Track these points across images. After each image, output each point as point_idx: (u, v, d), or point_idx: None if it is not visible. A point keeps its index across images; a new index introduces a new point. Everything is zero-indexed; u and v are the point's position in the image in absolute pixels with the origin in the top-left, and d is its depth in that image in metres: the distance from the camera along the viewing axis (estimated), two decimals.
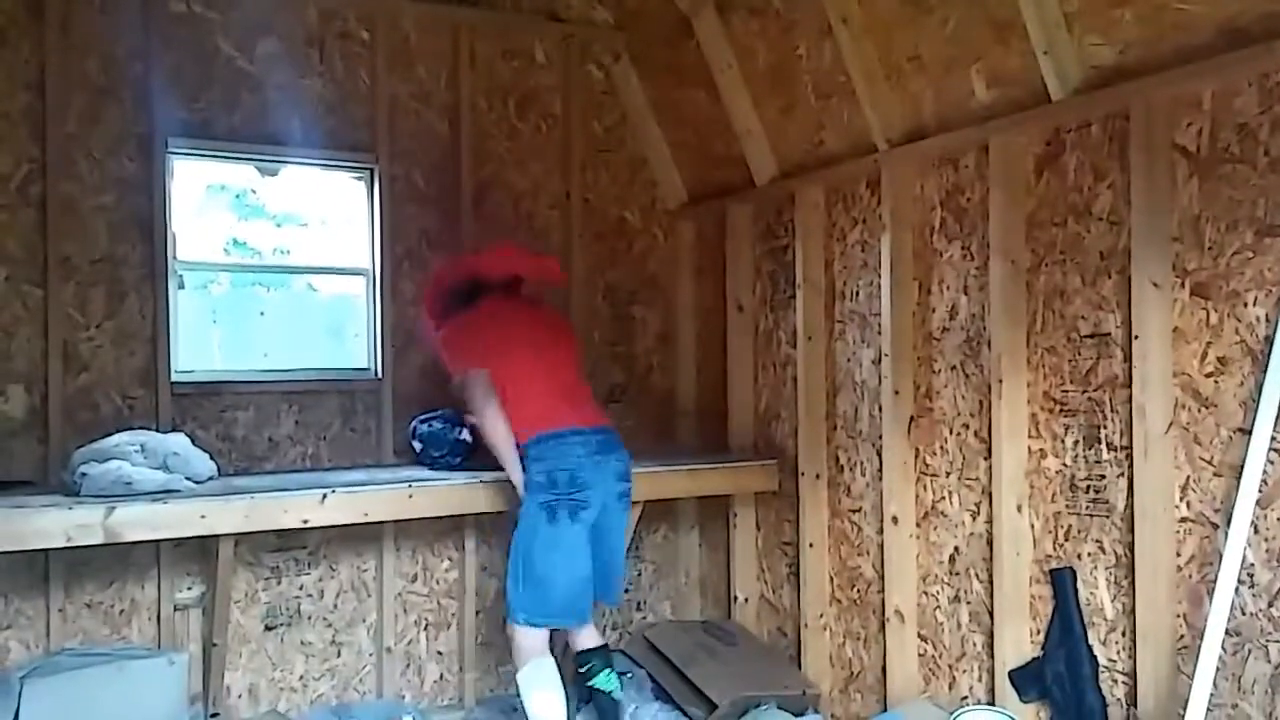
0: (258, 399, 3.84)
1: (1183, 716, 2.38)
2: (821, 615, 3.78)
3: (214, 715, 3.57)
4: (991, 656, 3.09)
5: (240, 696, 3.76)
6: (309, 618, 3.87)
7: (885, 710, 3.41)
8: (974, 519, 3.18)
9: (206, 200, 4.07)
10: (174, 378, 3.68)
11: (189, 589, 3.66)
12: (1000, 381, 3.02)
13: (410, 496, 3.36)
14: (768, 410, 4.12)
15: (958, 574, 3.25)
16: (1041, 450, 2.97)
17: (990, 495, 3.08)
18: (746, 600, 4.20)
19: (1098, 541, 2.81)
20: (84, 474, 3.00)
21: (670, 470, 3.80)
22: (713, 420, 4.40)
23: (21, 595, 3.44)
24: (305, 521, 3.20)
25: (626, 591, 4.44)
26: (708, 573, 4.50)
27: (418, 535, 4.03)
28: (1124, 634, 2.74)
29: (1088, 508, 2.84)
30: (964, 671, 3.22)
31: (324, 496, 3.18)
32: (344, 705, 3.88)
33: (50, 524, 2.84)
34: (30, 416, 3.47)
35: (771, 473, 3.99)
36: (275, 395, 3.88)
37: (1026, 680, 2.99)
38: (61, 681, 3.28)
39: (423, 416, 3.79)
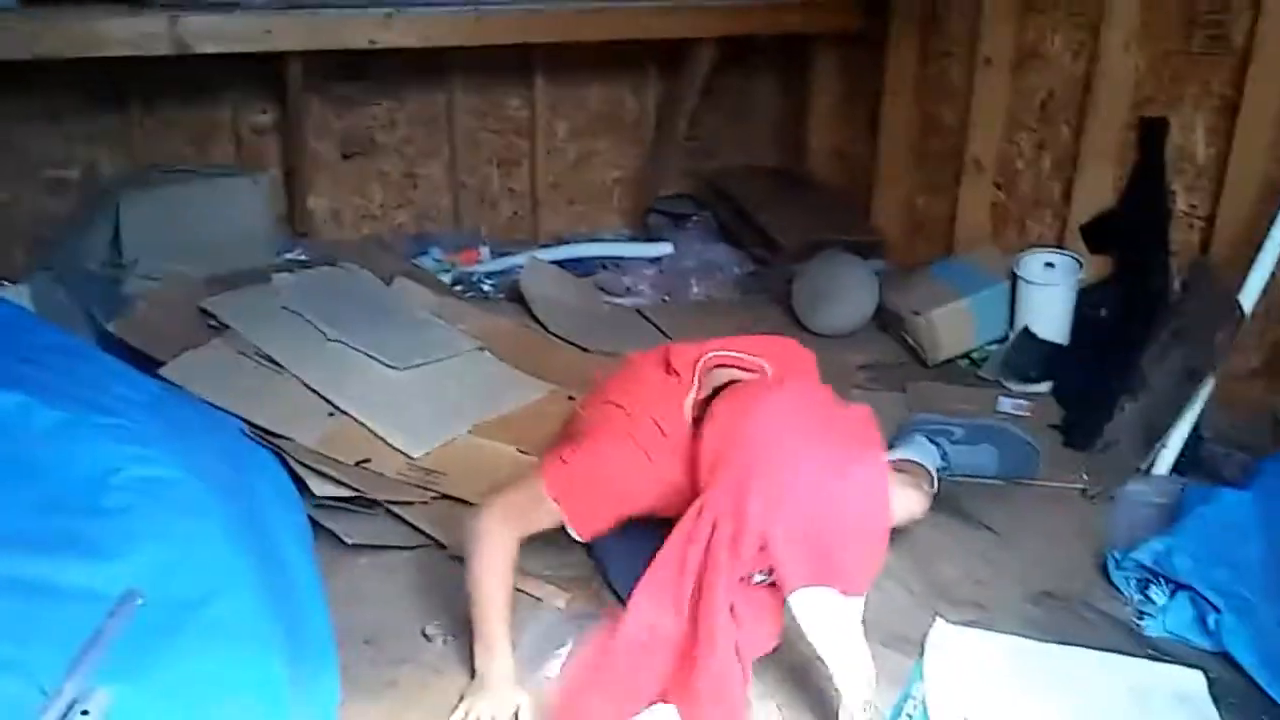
0: None
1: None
2: (896, 166, 3.71)
3: (302, 234, 3.77)
4: (1068, 205, 3.05)
5: (325, 221, 3.91)
6: (383, 148, 3.92)
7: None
8: (1074, 59, 2.97)
9: None
10: None
11: (264, 113, 3.69)
12: None
13: (477, 20, 3.23)
14: None
15: (1047, 121, 3.11)
16: None
17: (1098, 32, 2.85)
18: (820, 150, 4.12)
19: (1205, 83, 2.64)
20: None
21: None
22: None
23: (102, 109, 3.49)
24: (371, 42, 3.12)
25: (696, 139, 4.36)
26: (782, 121, 4.38)
27: (486, 71, 3.93)
28: (1210, 180, 2.66)
29: (1202, 47, 2.63)
30: (1036, 220, 3.20)
31: (388, 14, 3.07)
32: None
33: (117, 29, 2.81)
34: None
35: (851, 9, 3.68)
36: None
37: (1098, 232, 2.97)
38: (155, 196, 3.43)
39: None
